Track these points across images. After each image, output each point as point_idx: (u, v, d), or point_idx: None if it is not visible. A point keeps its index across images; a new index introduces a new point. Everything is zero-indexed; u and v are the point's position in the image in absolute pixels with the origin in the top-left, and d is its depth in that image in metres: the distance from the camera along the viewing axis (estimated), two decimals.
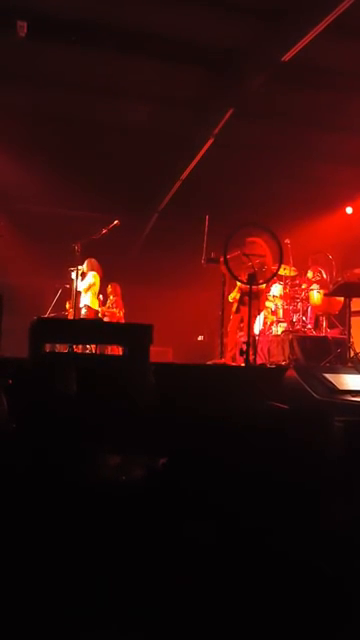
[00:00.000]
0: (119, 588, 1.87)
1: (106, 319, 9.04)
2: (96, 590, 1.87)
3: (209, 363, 7.15)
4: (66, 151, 8.96)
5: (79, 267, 8.23)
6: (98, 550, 1.95)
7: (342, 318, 7.77)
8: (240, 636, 1.74)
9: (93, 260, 8.71)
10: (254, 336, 6.85)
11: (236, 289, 7.37)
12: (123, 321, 9.53)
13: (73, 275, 8.18)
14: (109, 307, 9.47)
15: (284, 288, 8.21)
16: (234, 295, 7.43)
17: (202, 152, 9.11)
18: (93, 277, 8.67)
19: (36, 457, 2.30)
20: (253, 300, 6.70)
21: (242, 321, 7.31)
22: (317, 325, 8.23)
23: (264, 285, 7.35)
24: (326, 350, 7.12)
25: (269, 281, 7.35)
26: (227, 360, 7.15)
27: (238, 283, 7.15)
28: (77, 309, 8.27)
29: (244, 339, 6.29)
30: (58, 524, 2.00)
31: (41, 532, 1.99)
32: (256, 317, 7.57)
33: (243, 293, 7.14)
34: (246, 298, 6.89)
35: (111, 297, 9.58)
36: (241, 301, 7.25)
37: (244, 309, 6.97)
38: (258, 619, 1.76)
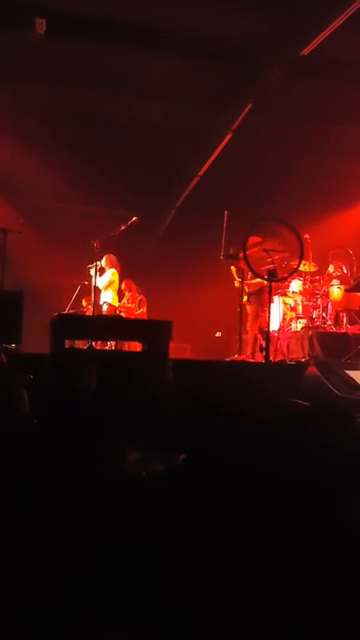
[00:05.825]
0: (137, 584, 1.88)
1: (123, 315, 9.07)
2: (116, 586, 1.87)
3: (227, 359, 7.14)
4: (85, 148, 8.98)
5: (97, 263, 8.25)
6: (119, 545, 1.96)
7: None
8: (258, 636, 1.74)
9: (112, 256, 8.69)
10: (272, 332, 6.84)
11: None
12: (145, 317, 9.57)
13: (92, 272, 8.20)
14: (125, 303, 9.50)
15: (304, 284, 8.15)
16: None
17: (220, 147, 9.08)
18: (112, 275, 8.67)
19: (57, 452, 2.32)
20: (255, 297, 6.87)
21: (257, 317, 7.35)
22: (337, 321, 8.15)
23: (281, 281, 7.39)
24: (347, 346, 7.06)
25: (289, 277, 7.31)
26: (247, 356, 7.13)
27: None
28: (97, 306, 8.29)
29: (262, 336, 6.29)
30: (79, 519, 2.01)
31: (62, 526, 2.00)
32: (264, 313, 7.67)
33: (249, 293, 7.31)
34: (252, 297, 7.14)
35: (127, 293, 9.61)
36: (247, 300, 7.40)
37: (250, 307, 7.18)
38: (277, 617, 1.76)
